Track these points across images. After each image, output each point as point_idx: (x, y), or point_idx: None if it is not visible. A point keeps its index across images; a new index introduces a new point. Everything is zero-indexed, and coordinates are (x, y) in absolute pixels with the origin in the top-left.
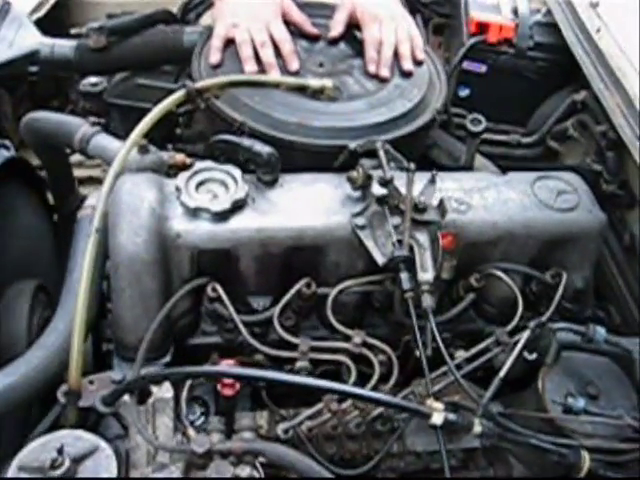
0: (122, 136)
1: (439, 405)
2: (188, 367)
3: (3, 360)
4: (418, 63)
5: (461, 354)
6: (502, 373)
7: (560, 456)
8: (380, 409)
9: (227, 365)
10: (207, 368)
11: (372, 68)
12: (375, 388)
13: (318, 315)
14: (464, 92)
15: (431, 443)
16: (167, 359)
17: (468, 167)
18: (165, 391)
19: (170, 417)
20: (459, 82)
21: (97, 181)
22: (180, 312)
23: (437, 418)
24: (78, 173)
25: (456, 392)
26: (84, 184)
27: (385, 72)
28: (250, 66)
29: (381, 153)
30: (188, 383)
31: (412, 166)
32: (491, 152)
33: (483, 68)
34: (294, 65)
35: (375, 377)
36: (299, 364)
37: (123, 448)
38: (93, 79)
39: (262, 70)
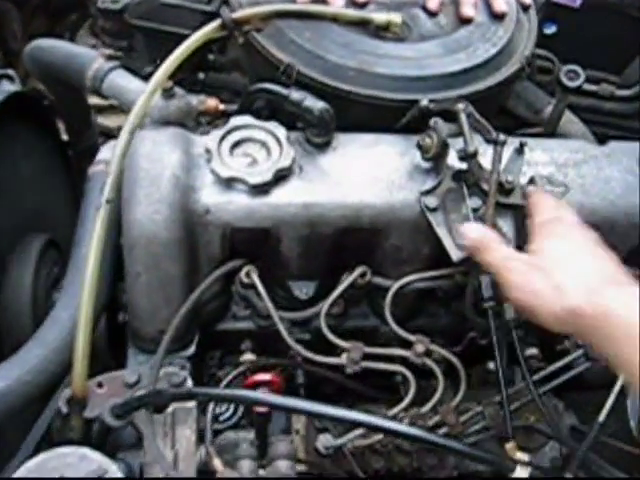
0: (145, 62)
1: (523, 456)
2: (217, 389)
3: (6, 326)
4: (525, 8)
5: (533, 352)
6: (602, 417)
7: None
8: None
9: (262, 391)
10: (239, 392)
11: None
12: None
13: (369, 302)
14: (550, 29)
15: None
16: (191, 350)
17: (553, 125)
18: None
19: (192, 429)
20: (545, 17)
21: (118, 110)
22: (208, 296)
23: (522, 473)
24: (96, 100)
25: (531, 411)
26: (103, 113)
27: (468, 10)
28: None
29: (463, 117)
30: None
31: (502, 138)
32: (576, 103)
33: (577, 1)
34: None
35: (438, 395)
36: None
37: (137, 463)
38: None
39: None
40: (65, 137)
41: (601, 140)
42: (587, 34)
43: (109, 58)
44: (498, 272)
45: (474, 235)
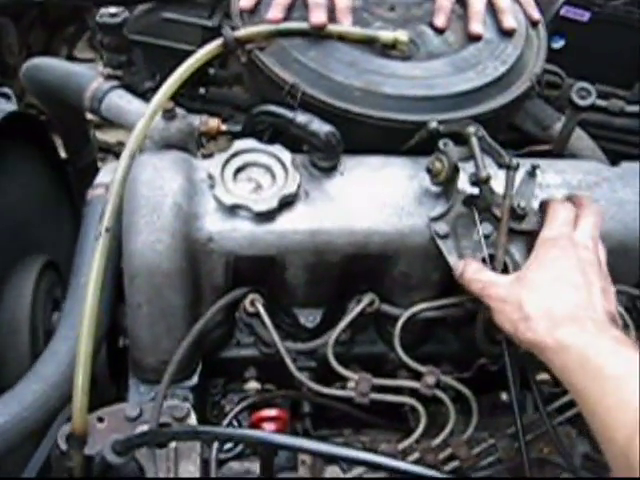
0: (145, 77)
1: None
2: (221, 428)
3: (4, 348)
4: (533, 24)
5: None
6: None
7: None
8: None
9: (268, 428)
10: (244, 432)
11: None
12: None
13: (377, 328)
14: (558, 43)
15: None
16: (194, 381)
17: (562, 144)
18: None
19: (196, 464)
20: (553, 31)
21: (117, 125)
22: (212, 325)
23: None
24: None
25: (545, 442)
26: (101, 128)
27: (477, 27)
28: (317, 14)
29: (474, 141)
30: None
31: (514, 163)
32: (585, 119)
33: (585, 16)
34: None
35: (449, 428)
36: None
37: None
38: (112, 9)
39: (330, 18)
40: (63, 154)
41: (611, 158)
42: (595, 48)
43: (108, 77)
44: (482, 299)
45: (459, 272)
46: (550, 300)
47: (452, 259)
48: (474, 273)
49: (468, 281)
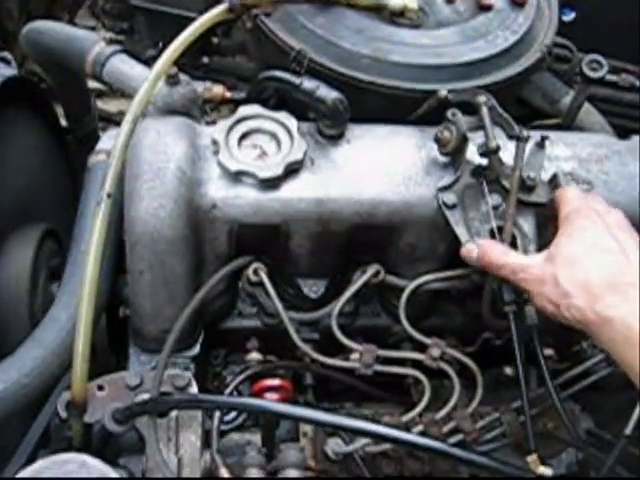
0: (147, 45)
1: (547, 470)
2: (223, 397)
3: (3, 317)
4: None
5: (549, 352)
6: (629, 430)
7: None
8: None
9: (270, 398)
10: (247, 401)
11: None
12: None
13: (381, 300)
14: (569, 16)
15: None
16: (196, 350)
17: (571, 117)
18: None
19: (197, 434)
20: (563, 3)
21: (118, 94)
22: (214, 294)
23: None
24: (95, 84)
25: (550, 417)
26: (102, 97)
27: None
28: None
29: (485, 111)
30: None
31: (525, 134)
32: (593, 94)
33: None
34: None
35: (454, 400)
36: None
37: (139, 469)
38: None
39: None
40: (64, 122)
41: (620, 133)
42: (607, 22)
43: (110, 42)
44: (516, 284)
45: (474, 256)
46: (586, 272)
47: (459, 230)
48: (500, 256)
49: (495, 266)
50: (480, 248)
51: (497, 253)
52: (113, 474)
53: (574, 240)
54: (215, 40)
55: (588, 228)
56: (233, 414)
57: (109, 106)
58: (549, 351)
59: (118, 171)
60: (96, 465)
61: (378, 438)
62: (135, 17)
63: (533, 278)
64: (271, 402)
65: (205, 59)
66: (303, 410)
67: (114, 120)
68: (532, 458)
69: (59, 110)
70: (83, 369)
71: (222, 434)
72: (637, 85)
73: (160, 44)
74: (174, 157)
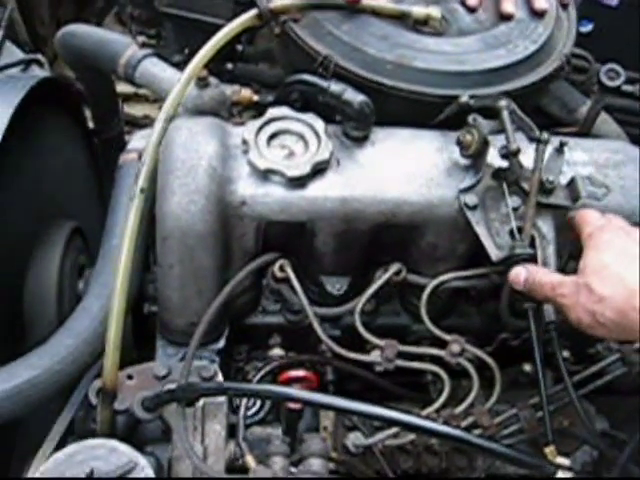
0: (174, 51)
1: (565, 461)
2: (250, 384)
3: (31, 313)
4: (564, 5)
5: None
6: None
7: None
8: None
9: (295, 387)
10: (272, 388)
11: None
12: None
13: (401, 299)
14: (586, 27)
15: None
16: (221, 344)
17: (588, 125)
18: None
19: (222, 424)
20: (582, 15)
21: (144, 99)
22: (240, 289)
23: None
24: (122, 88)
25: (566, 415)
26: (129, 101)
27: (508, 7)
28: None
29: (505, 114)
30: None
31: (545, 136)
32: (610, 104)
33: (614, 0)
34: None
35: (473, 395)
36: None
37: (165, 457)
38: None
39: None
40: (91, 125)
41: (637, 144)
42: (624, 33)
43: (143, 46)
44: (554, 302)
45: (523, 278)
46: (618, 275)
47: (480, 230)
48: (544, 276)
49: (538, 285)
50: (527, 270)
51: (541, 273)
52: (142, 460)
53: (601, 251)
54: (239, 47)
55: (615, 240)
56: (254, 409)
57: (135, 110)
58: (565, 353)
59: (151, 168)
60: (125, 450)
61: (402, 426)
62: (163, 24)
63: (569, 291)
64: (297, 390)
65: (229, 65)
66: (327, 397)
67: (139, 124)
68: (550, 449)
69: (87, 113)
70: (115, 357)
71: (245, 427)
72: None
73: (186, 50)
74: (206, 155)
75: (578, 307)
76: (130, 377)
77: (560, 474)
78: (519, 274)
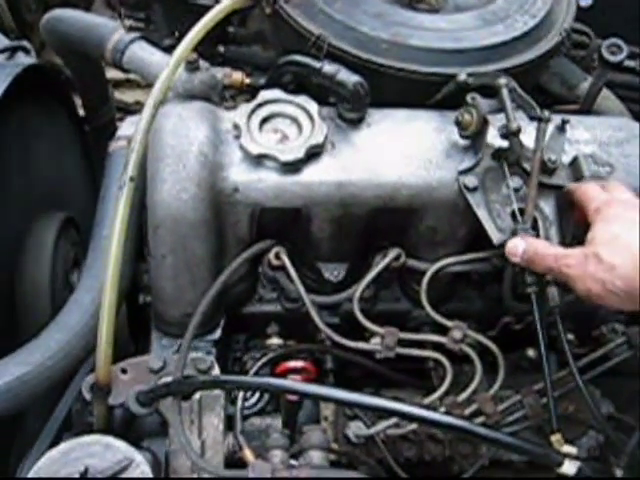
0: (164, 35)
1: (571, 449)
2: (246, 377)
3: (23, 306)
4: None
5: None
6: None
7: None
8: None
9: (292, 378)
10: (269, 380)
11: None
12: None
13: (401, 284)
14: (586, 2)
15: None
16: (217, 334)
17: (590, 102)
18: None
19: (220, 417)
20: None
21: (135, 84)
22: (235, 278)
23: (569, 467)
24: (112, 74)
25: (571, 400)
26: (119, 87)
27: None
28: None
29: (505, 93)
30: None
31: (546, 115)
32: (611, 79)
33: None
34: None
35: (476, 382)
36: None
37: (163, 451)
38: None
39: None
40: (82, 112)
41: (638, 119)
42: (625, 8)
43: (130, 29)
44: (559, 272)
45: (521, 250)
46: (629, 244)
47: (481, 212)
48: (544, 248)
49: (539, 256)
50: (525, 241)
51: (541, 245)
52: (138, 456)
53: (611, 223)
54: (231, 29)
55: (620, 214)
56: (253, 399)
57: (126, 96)
58: (569, 336)
59: (140, 155)
60: (121, 446)
61: (403, 417)
62: (151, 7)
63: (576, 261)
64: (294, 382)
65: (221, 48)
66: (325, 389)
67: (131, 110)
68: (556, 437)
69: (77, 100)
70: (107, 352)
71: (243, 418)
72: None
73: (177, 33)
74: (196, 141)
75: (586, 277)
76: (124, 371)
77: (567, 463)
78: (517, 245)
